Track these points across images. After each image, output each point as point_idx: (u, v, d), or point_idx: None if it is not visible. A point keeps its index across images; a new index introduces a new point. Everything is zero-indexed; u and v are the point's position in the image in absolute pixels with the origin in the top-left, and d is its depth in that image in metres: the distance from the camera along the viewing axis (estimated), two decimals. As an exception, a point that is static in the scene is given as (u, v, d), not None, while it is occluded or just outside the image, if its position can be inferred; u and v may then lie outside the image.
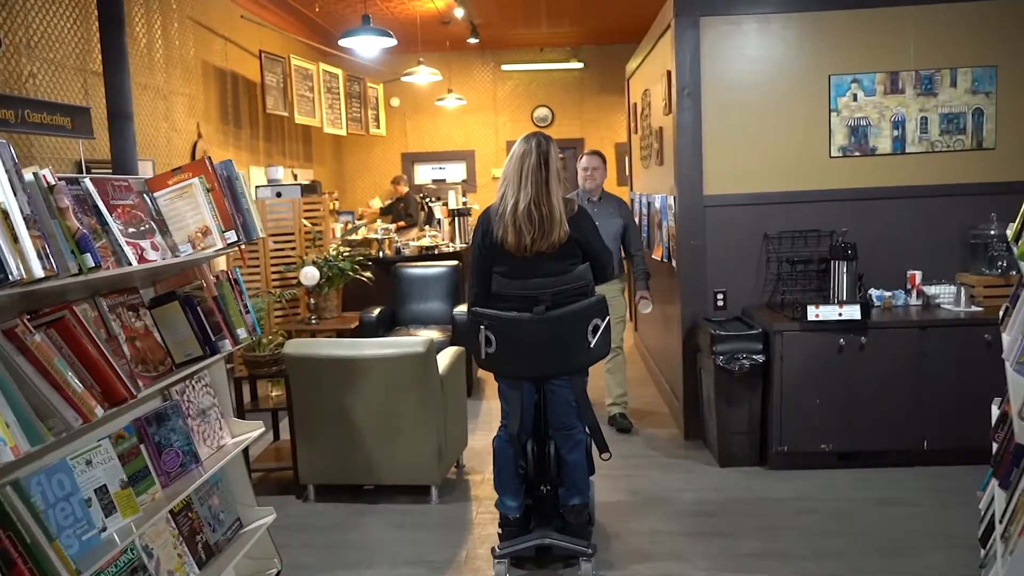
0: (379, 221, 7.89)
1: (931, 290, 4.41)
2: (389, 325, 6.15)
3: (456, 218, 8.19)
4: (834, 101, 4.48)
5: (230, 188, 2.67)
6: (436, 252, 7.46)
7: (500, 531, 3.33)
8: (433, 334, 5.85)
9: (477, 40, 10.05)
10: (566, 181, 3.32)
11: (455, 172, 12.11)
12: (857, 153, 4.50)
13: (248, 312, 2.78)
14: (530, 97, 11.82)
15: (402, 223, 9.95)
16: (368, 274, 6.38)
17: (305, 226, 6.57)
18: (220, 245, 2.58)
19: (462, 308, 5.87)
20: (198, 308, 2.56)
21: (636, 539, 3.49)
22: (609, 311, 3.13)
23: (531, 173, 3.02)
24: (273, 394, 4.24)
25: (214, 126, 7.67)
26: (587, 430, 3.23)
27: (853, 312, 4.00)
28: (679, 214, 4.61)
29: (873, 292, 4.37)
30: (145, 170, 6.18)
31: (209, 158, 2.62)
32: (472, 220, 10.74)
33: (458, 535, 3.61)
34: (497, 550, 3.20)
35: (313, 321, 6.07)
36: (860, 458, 4.13)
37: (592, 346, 3.09)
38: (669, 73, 4.73)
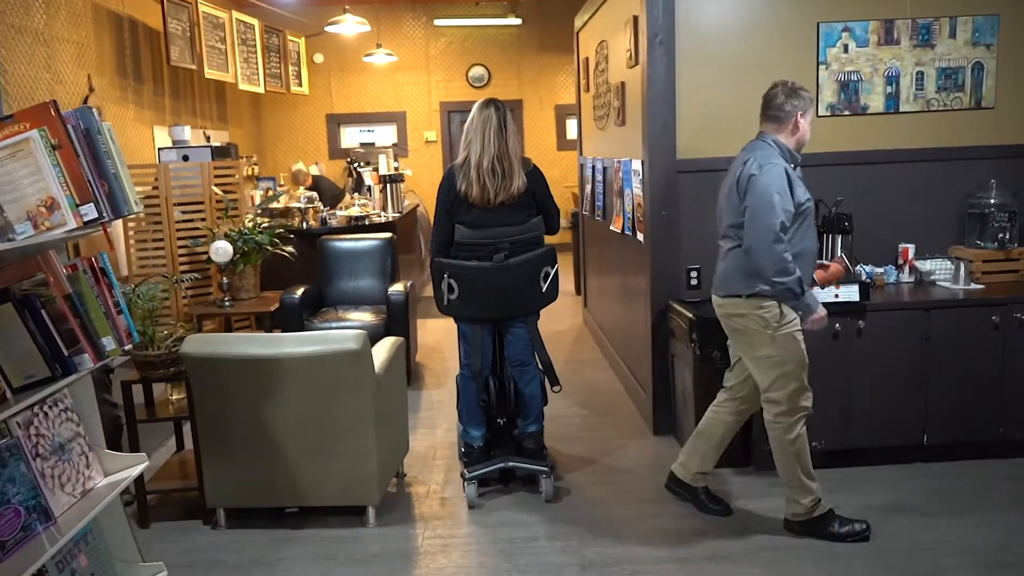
0: (300, 189, 7.09)
1: (925, 265, 3.97)
2: (315, 306, 5.45)
3: (388, 185, 7.47)
4: (823, 52, 3.95)
5: (88, 146, 1.95)
6: (367, 223, 6.74)
7: (465, 459, 3.67)
8: (365, 317, 5.19)
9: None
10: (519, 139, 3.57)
11: (385, 135, 11.30)
12: (847, 112, 4.00)
13: (120, 312, 2.08)
14: (465, 55, 11.06)
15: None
16: (290, 248, 5.65)
17: (216, 194, 5.76)
18: (73, 224, 1.88)
19: (399, 287, 5.21)
20: (42, 312, 1.86)
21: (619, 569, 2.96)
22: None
23: (494, 134, 3.39)
24: (173, 398, 3.52)
25: (109, 79, 6.73)
26: (540, 366, 3.62)
27: (851, 293, 3.51)
28: (648, 181, 4.03)
29: (862, 268, 3.89)
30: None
31: (54, 102, 1.89)
32: (405, 186, 10.02)
33: (403, 568, 3.00)
34: (467, 473, 3.53)
35: (227, 303, 5.32)
36: (853, 455, 3.68)
37: (544, 291, 3.52)
38: (636, 19, 4.12)
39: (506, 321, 3.56)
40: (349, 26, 7.10)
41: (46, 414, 2.01)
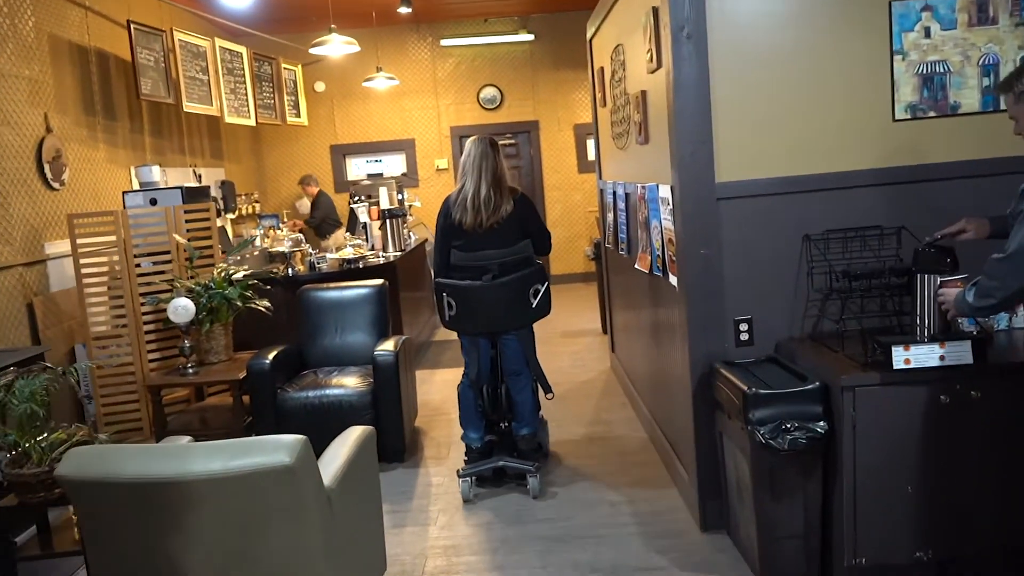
0: (284, 229, 6.35)
1: (1043, 306, 3.07)
2: (294, 369, 4.66)
3: (388, 221, 6.70)
4: (898, 39, 3.09)
5: None
6: (362, 266, 5.97)
7: (466, 458, 4.05)
8: (350, 381, 4.38)
9: (409, 10, 8.54)
10: (514, 172, 3.97)
11: (394, 164, 10.59)
12: (932, 113, 3.13)
13: None
14: (475, 76, 10.33)
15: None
16: (265, 303, 4.88)
17: (178, 242, 5.02)
18: None
19: (387, 346, 4.39)
20: None
21: None
22: None
23: (486, 165, 3.75)
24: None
25: (72, 118, 6.06)
26: (533, 375, 3.96)
27: (961, 353, 2.62)
28: (680, 210, 3.19)
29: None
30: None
31: None
32: (412, 220, 9.27)
33: None
34: (461, 472, 3.90)
35: (190, 370, 4.55)
36: (971, 567, 2.77)
37: (534, 306, 3.82)
38: (655, 11, 3.31)
39: (501, 334, 3.90)
40: (336, 47, 6.39)
41: None
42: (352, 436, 2.81)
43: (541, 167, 10.44)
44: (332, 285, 5.02)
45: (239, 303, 4.71)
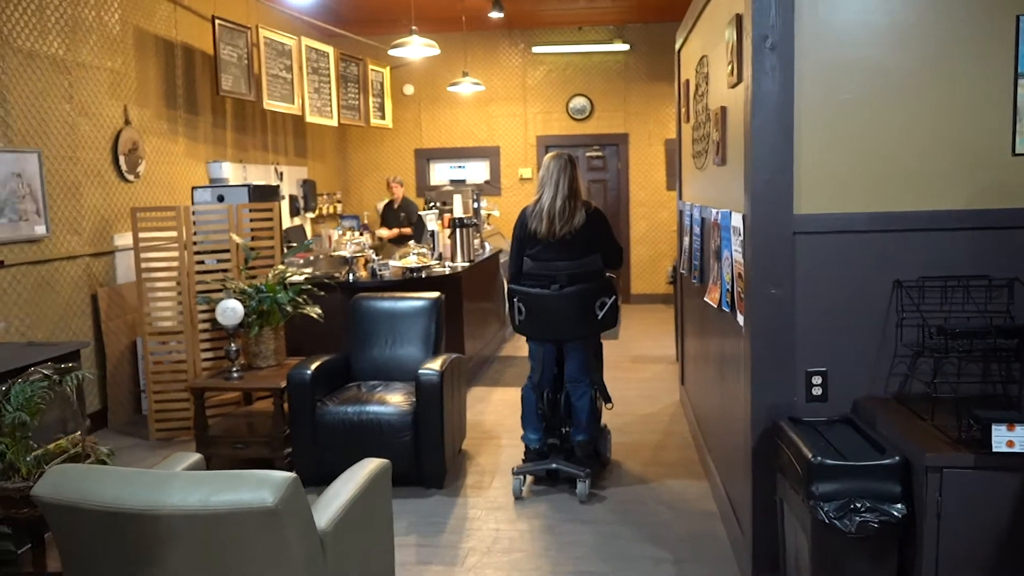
0: (347, 234, 6.22)
1: None
2: (340, 380, 4.48)
3: (459, 230, 6.48)
4: None
5: None
6: (424, 275, 5.77)
7: (524, 458, 4.18)
8: (395, 398, 4.17)
9: (501, 15, 8.34)
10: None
11: (477, 172, 10.43)
12: (1061, 147, 2.67)
13: None
14: (565, 85, 10.06)
15: (404, 230, 8.35)
16: (317, 309, 4.73)
17: (235, 241, 4.92)
18: None
19: (432, 365, 4.15)
20: None
21: None
22: None
23: (563, 178, 3.92)
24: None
25: (153, 111, 6.11)
26: (593, 384, 4.06)
27: (1068, 439, 2.18)
28: (752, 242, 2.83)
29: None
30: (22, 165, 4.63)
31: None
32: (489, 229, 9.06)
33: None
34: (515, 469, 4.05)
35: (235, 374, 4.44)
36: None
37: (600, 318, 3.95)
38: (739, 19, 2.95)
39: (565, 342, 4.05)
40: (416, 48, 6.23)
41: None
42: (362, 472, 2.56)
43: (628, 181, 10.07)
44: (386, 295, 4.83)
45: (289, 308, 4.57)
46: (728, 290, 3.32)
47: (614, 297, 4.00)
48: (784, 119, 2.73)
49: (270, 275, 4.78)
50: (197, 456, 2.71)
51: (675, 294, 6.68)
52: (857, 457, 2.38)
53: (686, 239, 4.87)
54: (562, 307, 3.91)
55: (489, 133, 10.25)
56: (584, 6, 9.13)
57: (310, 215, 9.14)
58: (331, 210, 9.76)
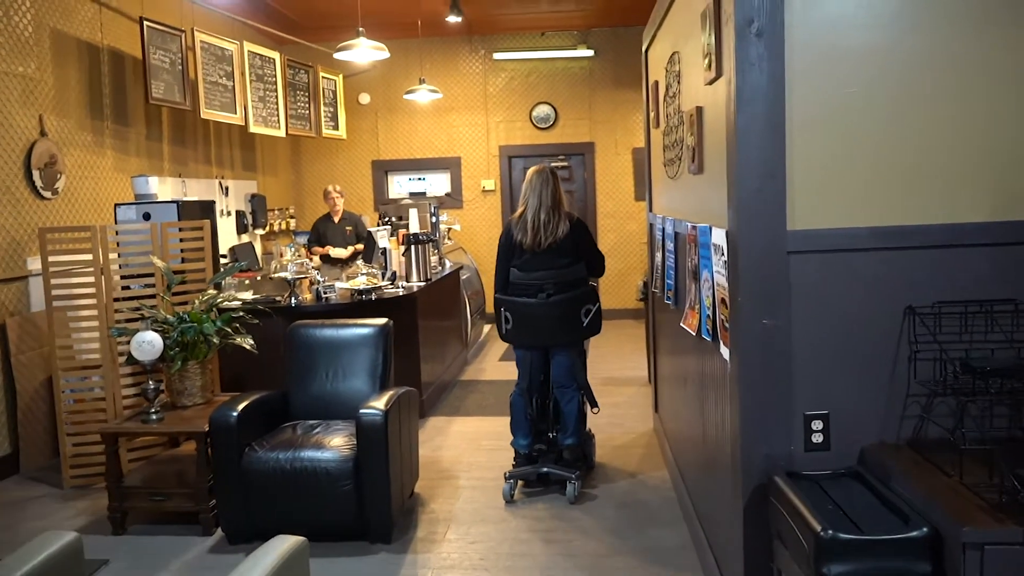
0: (288, 252, 5.71)
1: None
2: (276, 419, 3.99)
3: (413, 247, 6.01)
4: (1052, 44, 2.26)
5: None
6: (374, 298, 5.29)
7: (514, 462, 4.31)
8: (335, 442, 3.67)
9: (459, 19, 7.92)
10: (571, 198, 4.51)
11: (438, 184, 9.97)
12: (1097, 148, 2.28)
13: None
14: (528, 92, 9.64)
15: (357, 246, 7.74)
16: (249, 340, 4.23)
17: (156, 264, 4.39)
18: None
19: (376, 405, 3.66)
20: None
21: None
22: None
23: (546, 190, 4.09)
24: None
25: (76, 121, 5.57)
26: (579, 389, 4.22)
27: None
28: (738, 263, 2.40)
29: None
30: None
31: None
32: (450, 244, 8.59)
33: None
34: (507, 474, 4.18)
35: (153, 416, 3.91)
36: None
37: (585, 325, 4.13)
38: (717, 2, 2.53)
39: (552, 349, 4.16)
40: (363, 52, 5.75)
41: None
42: (267, 558, 2.07)
43: (595, 192, 9.67)
44: (327, 322, 4.34)
45: (216, 339, 4.07)
46: (708, 316, 2.89)
47: (598, 304, 4.18)
48: (774, 117, 2.31)
49: (196, 301, 4.27)
50: (71, 536, 2.20)
51: (646, 311, 6.27)
52: (875, 528, 1.94)
53: (658, 255, 4.45)
54: (549, 315, 4.04)
55: (449, 143, 9.80)
56: (547, 10, 8.75)
57: (260, 232, 8.61)
58: (283, 226, 9.24)
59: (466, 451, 4.95)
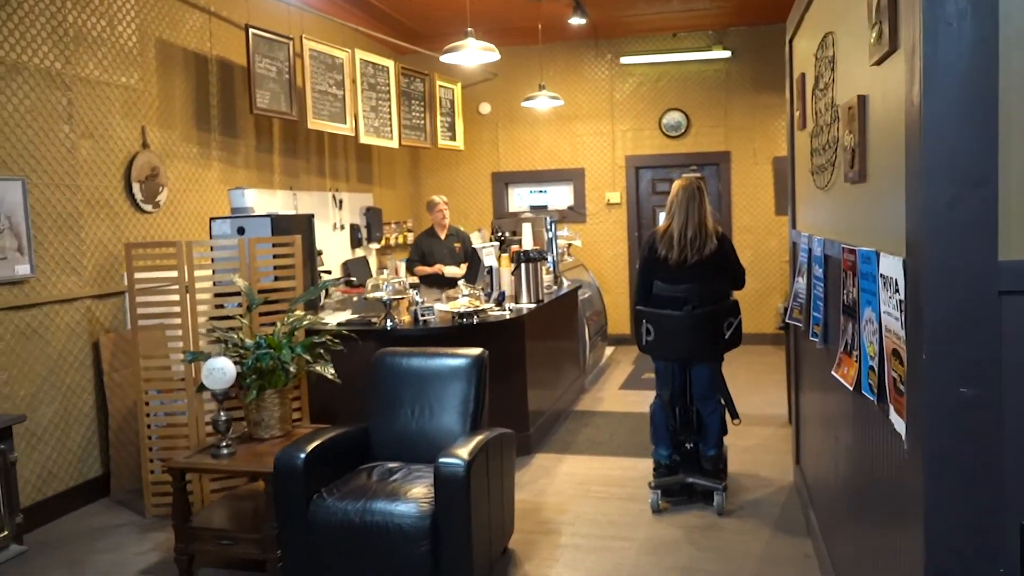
0: (383, 271, 5.32)
1: None
2: (357, 459, 3.56)
3: (525, 266, 5.50)
4: None
5: None
6: (476, 321, 4.81)
7: (655, 472, 4.25)
8: (417, 492, 3.19)
9: (583, 21, 7.39)
10: (715, 212, 4.22)
11: (559, 196, 9.45)
12: None
13: None
14: (658, 99, 8.97)
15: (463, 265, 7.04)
16: (330, 369, 3.83)
17: (238, 284, 4.07)
18: None
19: (460, 453, 3.14)
20: None
21: None
22: None
23: (693, 206, 4.06)
24: None
25: (181, 132, 5.43)
26: (722, 401, 4.21)
27: None
28: (923, 306, 1.71)
29: None
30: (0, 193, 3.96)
31: None
32: (570, 261, 8.03)
33: None
34: (652, 484, 4.16)
35: (224, 451, 3.57)
36: None
37: (727, 338, 4.10)
38: (892, -49, 1.87)
39: (693, 362, 4.15)
40: (471, 53, 5.31)
41: None
42: None
43: (731, 205, 8.86)
44: (415, 350, 3.88)
45: (293, 368, 3.69)
46: (872, 368, 2.20)
47: (739, 317, 4.15)
48: (981, 99, 1.62)
49: (279, 324, 3.93)
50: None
51: (787, 343, 5.48)
52: None
53: (800, 280, 3.73)
54: (693, 328, 4.02)
55: (573, 154, 9.26)
56: (679, 9, 8.07)
57: (375, 246, 8.37)
58: (400, 240, 8.98)
59: (573, 498, 4.37)
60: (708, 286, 4.05)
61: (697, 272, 4.02)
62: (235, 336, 3.82)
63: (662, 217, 9.13)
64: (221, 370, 3.52)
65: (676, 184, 4.15)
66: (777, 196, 8.74)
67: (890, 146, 2.01)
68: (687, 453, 4.28)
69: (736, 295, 4.30)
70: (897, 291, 1.87)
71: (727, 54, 8.63)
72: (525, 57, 8.85)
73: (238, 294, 4.32)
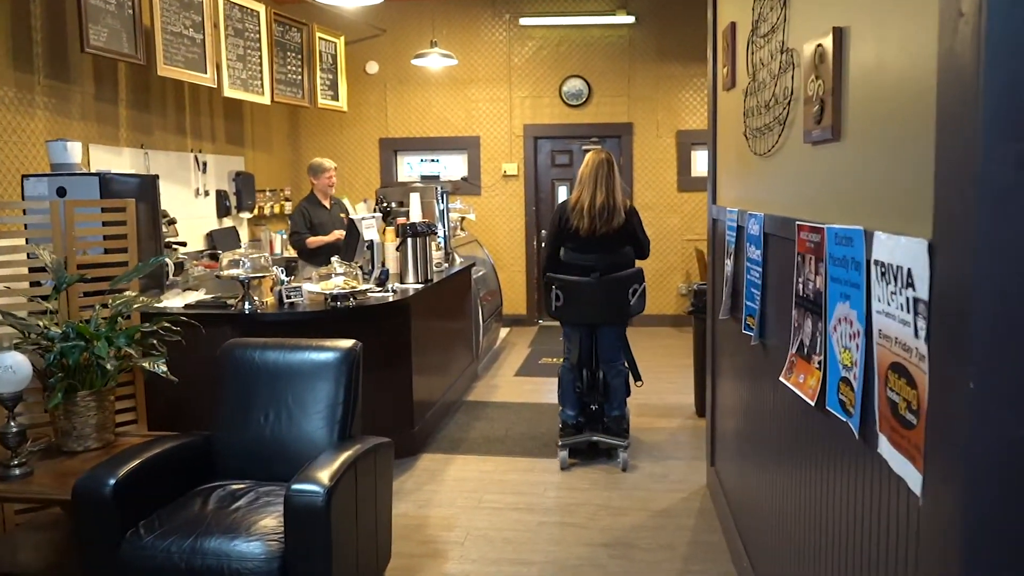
0: (261, 244, 4.55)
1: None
2: (195, 477, 2.85)
3: (412, 241, 4.84)
4: None
5: None
6: (352, 304, 4.13)
7: (561, 432, 4.44)
8: (262, 523, 2.53)
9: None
10: (623, 183, 4.34)
11: (454, 166, 8.80)
12: None
13: None
14: (558, 64, 8.42)
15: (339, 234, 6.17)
16: (162, 365, 3.09)
17: (43, 257, 3.25)
18: None
19: (321, 473, 2.50)
20: None
21: None
22: None
23: (604, 179, 4.19)
24: None
25: (-7, 73, 4.46)
26: (625, 364, 4.45)
27: None
28: (966, 313, 1.19)
29: None
30: None
31: None
32: (463, 236, 7.43)
33: None
34: (560, 443, 4.37)
35: (16, 470, 2.79)
36: None
37: (631, 303, 4.30)
38: None
39: (600, 326, 4.39)
40: (351, -4, 4.58)
41: None
42: None
43: (632, 180, 8.43)
44: (272, 341, 3.19)
45: (109, 366, 2.93)
46: (847, 381, 1.70)
47: (643, 284, 4.32)
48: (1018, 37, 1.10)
49: (97, 308, 3.14)
50: None
51: (696, 328, 5.08)
52: None
53: (728, 264, 3.25)
54: (602, 293, 4.22)
55: (467, 121, 8.61)
56: (582, -33, 7.52)
57: (246, 215, 7.49)
58: (276, 209, 8.12)
59: (463, 510, 3.80)
60: (616, 256, 4.27)
61: (606, 243, 4.21)
62: (39, 324, 3.02)
63: (562, 191, 8.82)
64: (10, 368, 2.73)
65: (588, 156, 4.27)
66: (680, 171, 8.38)
67: (882, 94, 1.49)
68: (591, 414, 4.49)
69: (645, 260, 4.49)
70: (910, 286, 1.35)
71: (631, 19, 8.16)
72: (417, 14, 8.13)
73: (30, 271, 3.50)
